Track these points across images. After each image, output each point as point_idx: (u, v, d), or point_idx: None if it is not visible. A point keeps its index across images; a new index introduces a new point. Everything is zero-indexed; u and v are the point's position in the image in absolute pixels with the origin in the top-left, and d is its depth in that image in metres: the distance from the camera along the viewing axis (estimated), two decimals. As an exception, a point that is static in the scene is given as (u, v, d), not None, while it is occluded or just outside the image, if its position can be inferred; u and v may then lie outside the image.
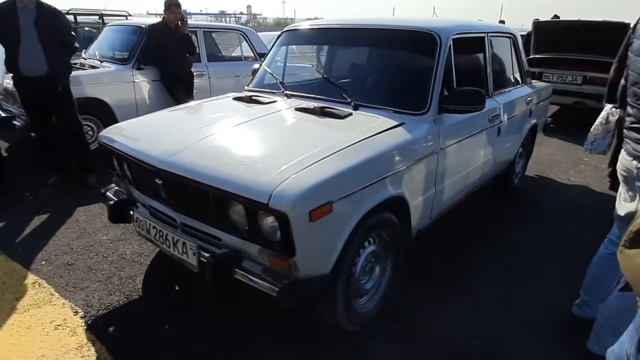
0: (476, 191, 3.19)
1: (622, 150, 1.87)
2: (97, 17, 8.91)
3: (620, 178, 1.92)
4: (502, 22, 13.72)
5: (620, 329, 1.09)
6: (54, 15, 3.55)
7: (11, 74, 3.65)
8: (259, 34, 6.38)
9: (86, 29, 8.33)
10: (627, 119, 1.84)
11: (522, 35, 5.45)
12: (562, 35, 6.70)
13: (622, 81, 1.93)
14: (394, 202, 2.09)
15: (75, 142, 3.87)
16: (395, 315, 2.28)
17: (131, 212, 2.27)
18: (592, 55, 6.36)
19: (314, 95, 2.65)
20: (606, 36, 6.32)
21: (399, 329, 2.20)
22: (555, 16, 8.42)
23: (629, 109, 1.83)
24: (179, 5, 4.66)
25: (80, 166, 3.95)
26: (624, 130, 1.86)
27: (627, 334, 1.04)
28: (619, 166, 1.91)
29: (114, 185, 2.55)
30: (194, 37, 5.08)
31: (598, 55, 6.32)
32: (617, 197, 1.98)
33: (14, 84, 3.69)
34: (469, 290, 2.54)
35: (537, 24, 7.03)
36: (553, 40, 6.76)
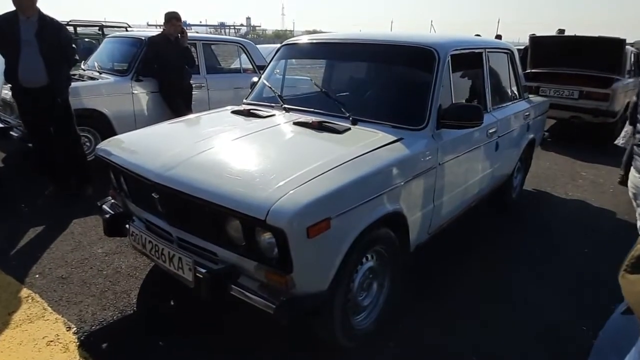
0: (474, 206, 3.18)
1: (632, 168, 1.88)
2: (97, 28, 8.96)
3: (631, 195, 1.93)
4: (499, 36, 13.86)
5: (624, 348, 1.07)
6: (56, 27, 3.56)
7: (10, 85, 3.65)
8: (258, 46, 6.42)
9: (86, 40, 8.36)
10: (637, 136, 1.85)
11: (518, 50, 5.50)
12: (558, 50, 6.77)
13: (634, 97, 1.96)
14: (392, 218, 2.08)
15: (72, 154, 3.86)
16: (393, 331, 2.25)
17: (127, 226, 2.25)
18: (589, 70, 6.43)
19: (312, 109, 2.66)
20: (602, 51, 6.40)
21: (396, 346, 2.17)
22: (561, 31, 8.49)
23: (638, 126, 1.84)
24: (179, 19, 4.71)
25: (77, 178, 3.93)
26: (634, 147, 1.87)
27: (629, 357, 1.02)
28: (629, 184, 1.92)
29: (110, 198, 2.53)
30: (193, 49, 5.10)
31: (594, 70, 6.39)
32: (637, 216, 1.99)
33: (13, 94, 3.69)
34: (467, 307, 2.51)
35: (534, 39, 7.10)
36: (550, 55, 6.83)
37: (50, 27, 3.50)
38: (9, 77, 3.51)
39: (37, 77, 3.47)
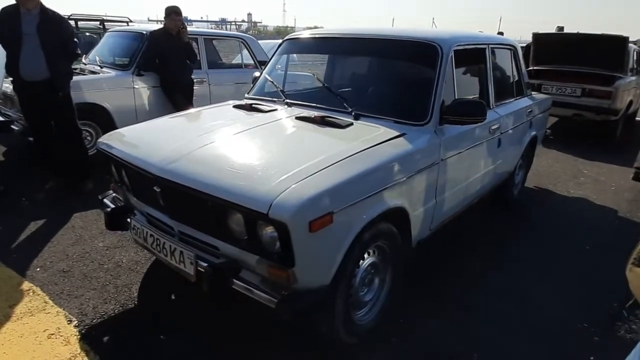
0: (476, 202, 3.18)
1: None
2: (98, 22, 8.93)
3: None
4: (501, 33, 13.80)
5: None
6: (57, 21, 3.54)
7: (11, 78, 3.64)
8: (259, 41, 6.40)
9: (87, 34, 8.33)
10: None
11: (521, 47, 5.49)
12: (561, 47, 6.74)
13: None
14: (394, 213, 2.07)
15: (73, 148, 3.85)
16: (394, 327, 2.25)
17: (128, 220, 2.24)
18: (591, 67, 6.40)
19: (314, 104, 2.64)
20: (605, 49, 6.37)
21: (398, 342, 2.17)
22: (560, 28, 8.47)
23: None
24: (178, 13, 4.65)
25: (78, 172, 3.92)
26: None
27: (631, 356, 1.01)
28: None
29: (111, 192, 2.52)
30: (194, 44, 5.08)
31: (597, 68, 6.37)
32: None
33: (14, 88, 3.68)
34: (468, 304, 2.51)
35: (537, 36, 7.08)
36: (552, 53, 6.81)
37: (51, 21, 3.49)
38: (10, 70, 3.50)
39: (38, 71, 3.45)
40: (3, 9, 3.43)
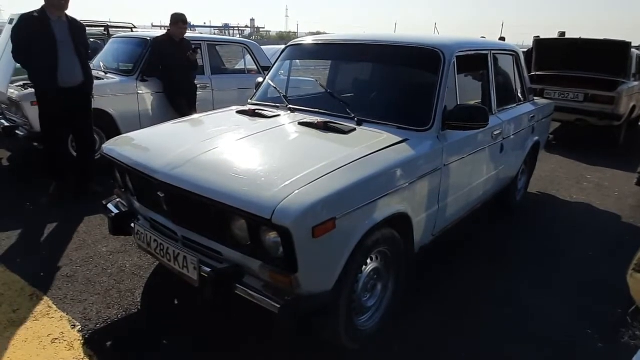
0: (479, 207, 3.17)
1: None
2: (102, 28, 8.99)
3: None
4: (503, 39, 13.82)
5: None
6: (82, 27, 3.65)
7: (20, 84, 3.66)
8: (262, 47, 6.44)
9: (91, 40, 8.39)
10: None
11: (523, 52, 5.49)
12: (563, 52, 6.76)
13: None
14: (397, 219, 2.08)
15: (90, 152, 3.91)
16: (397, 332, 2.24)
17: (132, 225, 2.25)
18: (594, 73, 6.40)
19: (317, 110, 2.66)
20: (608, 54, 6.37)
21: (399, 348, 2.16)
22: (561, 33, 8.48)
23: None
24: (186, 22, 4.73)
25: (85, 175, 3.93)
26: None
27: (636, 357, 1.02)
28: None
29: (115, 197, 2.54)
30: (198, 49, 5.11)
31: (599, 73, 6.37)
32: None
33: (40, 95, 3.54)
34: (470, 310, 2.50)
35: (539, 41, 7.09)
36: (554, 58, 6.82)
37: (78, 26, 3.58)
38: (46, 79, 3.40)
39: (75, 77, 3.51)
40: (26, 15, 3.38)
